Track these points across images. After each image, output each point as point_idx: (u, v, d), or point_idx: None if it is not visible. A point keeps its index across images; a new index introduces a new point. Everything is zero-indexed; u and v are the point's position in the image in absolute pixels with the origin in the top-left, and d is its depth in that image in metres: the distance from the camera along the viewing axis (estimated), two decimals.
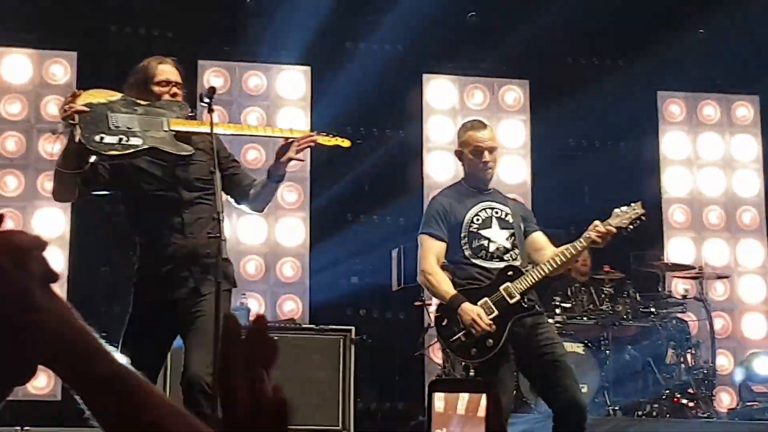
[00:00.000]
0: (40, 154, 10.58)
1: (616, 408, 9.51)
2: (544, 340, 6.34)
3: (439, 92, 11.72)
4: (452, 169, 10.94)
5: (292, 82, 11.33)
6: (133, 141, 5.53)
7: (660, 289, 10.53)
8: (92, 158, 5.49)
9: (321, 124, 9.56)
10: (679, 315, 10.28)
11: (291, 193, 10.95)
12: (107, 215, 9.46)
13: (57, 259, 10.37)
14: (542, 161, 11.63)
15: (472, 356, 6.33)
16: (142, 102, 5.67)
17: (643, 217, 6.50)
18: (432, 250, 6.50)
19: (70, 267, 10.37)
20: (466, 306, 6.29)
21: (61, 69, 10.80)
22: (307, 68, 11.32)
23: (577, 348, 9.38)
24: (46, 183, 10.43)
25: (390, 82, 11.43)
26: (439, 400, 1.56)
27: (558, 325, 9.37)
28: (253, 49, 11.17)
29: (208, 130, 5.68)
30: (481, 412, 1.48)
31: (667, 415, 9.64)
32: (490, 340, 6.26)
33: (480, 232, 6.46)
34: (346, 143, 6.12)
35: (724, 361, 11.28)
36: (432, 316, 6.68)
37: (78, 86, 10.56)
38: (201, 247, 5.59)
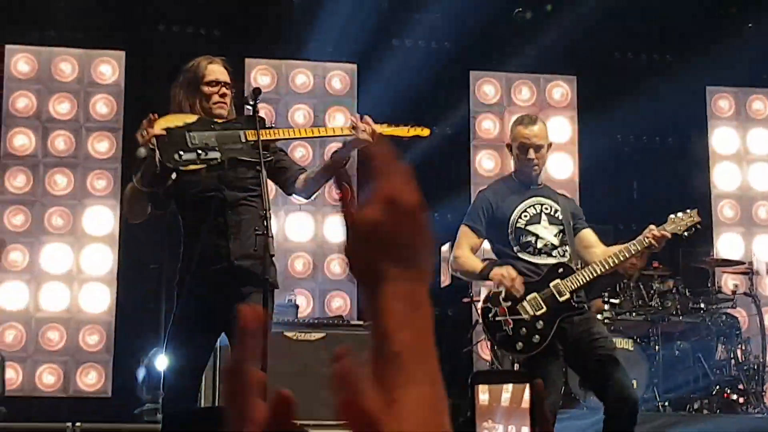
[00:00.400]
0: (90, 153, 10.66)
1: (666, 404, 9.48)
2: (595, 335, 6.31)
3: (486, 89, 11.70)
4: (499, 165, 10.94)
5: (339, 79, 11.35)
6: (212, 154, 5.62)
7: (709, 285, 10.46)
8: (173, 175, 5.59)
9: None
10: (729, 310, 10.21)
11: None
12: (156, 213, 9.51)
13: (106, 257, 10.46)
14: (590, 157, 11.57)
15: (518, 351, 6.31)
16: (219, 120, 5.74)
17: (698, 225, 6.48)
18: (468, 240, 6.53)
19: (120, 265, 10.44)
20: (497, 268, 6.31)
21: (109, 68, 10.86)
22: (354, 66, 11.33)
23: (626, 344, 9.33)
24: (95, 182, 10.53)
25: (437, 79, 11.41)
26: (483, 392, 1.56)
27: (607, 321, 9.35)
28: (300, 47, 11.18)
29: (289, 136, 5.81)
30: (526, 403, 1.47)
31: (717, 411, 9.59)
32: (537, 336, 6.24)
33: (528, 228, 6.43)
34: (425, 132, 6.15)
35: None
36: (480, 311, 6.65)
37: (126, 85, 10.71)
38: (246, 247, 5.61)
